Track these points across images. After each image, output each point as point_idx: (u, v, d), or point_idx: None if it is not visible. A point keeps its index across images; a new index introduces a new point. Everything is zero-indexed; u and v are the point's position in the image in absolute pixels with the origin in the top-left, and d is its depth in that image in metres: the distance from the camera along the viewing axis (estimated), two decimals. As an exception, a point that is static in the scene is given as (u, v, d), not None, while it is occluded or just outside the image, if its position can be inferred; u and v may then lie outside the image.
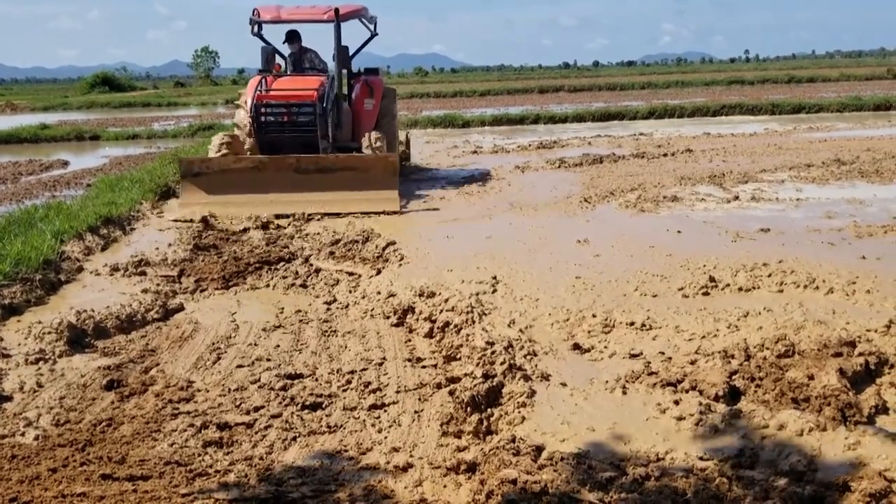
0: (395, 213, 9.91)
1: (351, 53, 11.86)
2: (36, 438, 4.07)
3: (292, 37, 12.09)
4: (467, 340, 5.09)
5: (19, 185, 14.82)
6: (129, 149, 21.81)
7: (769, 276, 6.18)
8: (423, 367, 4.90)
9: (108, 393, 4.65)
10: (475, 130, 23.63)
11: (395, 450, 3.79)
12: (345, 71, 12.19)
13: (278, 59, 12.21)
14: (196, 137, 22.83)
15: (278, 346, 5.40)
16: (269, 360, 5.13)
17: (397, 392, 4.49)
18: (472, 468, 3.43)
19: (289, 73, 11.99)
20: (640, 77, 59.32)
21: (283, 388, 4.62)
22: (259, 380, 4.78)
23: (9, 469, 3.67)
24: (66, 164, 18.57)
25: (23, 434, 4.14)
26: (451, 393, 4.25)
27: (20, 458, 3.80)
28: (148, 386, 4.74)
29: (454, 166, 14.79)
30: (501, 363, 4.42)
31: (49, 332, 5.57)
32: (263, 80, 11.26)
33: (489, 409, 4.00)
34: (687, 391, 3.85)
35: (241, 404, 4.40)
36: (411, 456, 3.73)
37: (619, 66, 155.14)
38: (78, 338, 5.61)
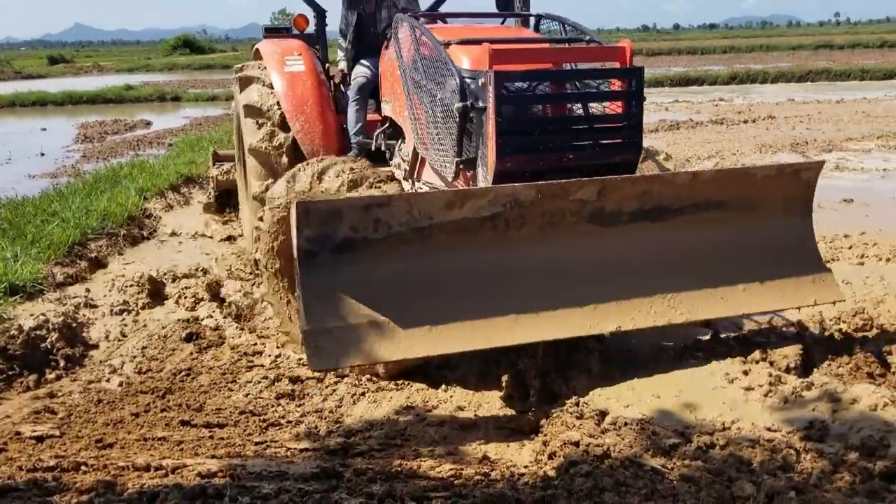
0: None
1: None
2: (120, 385, 4.28)
3: None
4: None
5: (105, 144, 15.39)
6: (209, 110, 22.34)
7: (850, 248, 5.99)
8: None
9: (187, 344, 4.85)
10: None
11: (460, 408, 3.85)
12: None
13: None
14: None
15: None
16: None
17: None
18: (535, 429, 3.46)
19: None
20: (722, 41, 57.39)
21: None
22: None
23: (95, 412, 3.89)
24: (148, 124, 19.16)
25: (108, 380, 4.36)
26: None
27: (105, 403, 4.01)
28: (224, 339, 4.93)
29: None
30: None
31: (132, 286, 5.81)
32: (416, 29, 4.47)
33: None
34: (757, 362, 3.78)
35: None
36: (476, 415, 3.79)
37: (700, 29, 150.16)
38: (158, 291, 5.84)
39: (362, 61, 5.67)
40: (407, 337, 3.35)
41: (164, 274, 6.18)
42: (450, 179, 4.03)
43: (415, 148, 4.51)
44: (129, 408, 3.92)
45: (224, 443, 3.47)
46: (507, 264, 3.56)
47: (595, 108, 4.03)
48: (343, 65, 5.92)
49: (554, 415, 3.55)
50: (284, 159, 5.56)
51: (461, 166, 3.93)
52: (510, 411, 3.80)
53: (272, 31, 6.40)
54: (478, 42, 4.03)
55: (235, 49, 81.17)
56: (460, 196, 3.46)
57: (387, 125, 5.30)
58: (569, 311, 3.58)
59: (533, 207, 3.54)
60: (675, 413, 3.40)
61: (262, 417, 3.82)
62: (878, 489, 2.70)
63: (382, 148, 5.34)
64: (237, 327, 5.13)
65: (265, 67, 5.87)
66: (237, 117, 6.36)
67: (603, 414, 3.49)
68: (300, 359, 4.51)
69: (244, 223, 6.94)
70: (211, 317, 5.34)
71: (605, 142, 3.93)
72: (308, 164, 4.40)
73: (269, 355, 4.60)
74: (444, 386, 4.10)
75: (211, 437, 3.53)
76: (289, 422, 3.79)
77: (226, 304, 5.47)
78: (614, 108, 3.96)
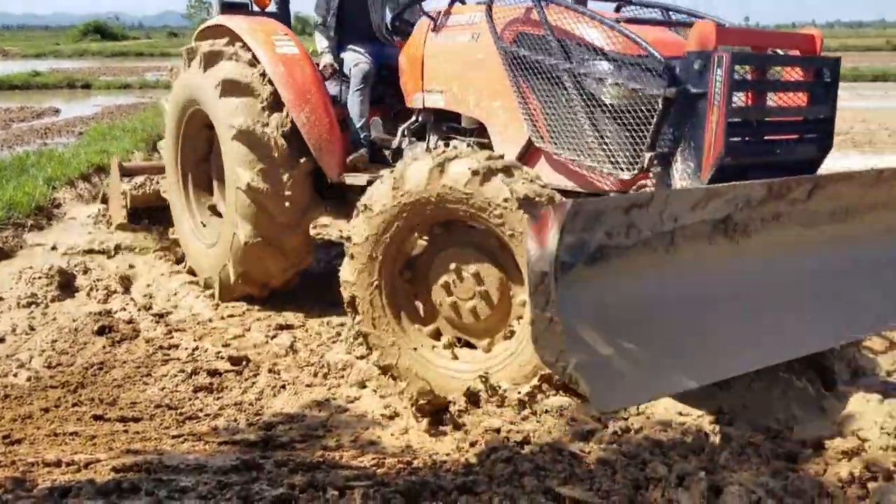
0: None
1: None
2: (28, 379, 4.12)
3: None
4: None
5: (10, 132, 14.72)
6: (121, 98, 21.65)
7: None
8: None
9: (99, 338, 4.70)
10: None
11: (383, 398, 3.85)
12: None
13: None
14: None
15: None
16: (259, 310, 5.18)
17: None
18: (457, 420, 3.49)
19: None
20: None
21: (274, 338, 4.70)
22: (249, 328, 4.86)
23: (1, 408, 3.73)
24: (57, 111, 18.44)
25: (15, 375, 4.20)
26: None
27: (13, 398, 3.86)
28: (138, 332, 4.80)
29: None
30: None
31: (40, 277, 5.60)
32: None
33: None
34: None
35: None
36: (398, 407, 3.80)
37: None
38: (69, 283, 5.64)
39: (352, 48, 5.16)
40: (689, 363, 2.84)
41: (76, 265, 5.96)
42: (626, 176, 3.52)
43: (530, 140, 3.86)
44: (38, 403, 3.78)
45: (139, 437, 3.38)
46: (741, 273, 3.11)
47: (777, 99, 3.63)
48: (329, 57, 5.20)
49: (475, 404, 3.59)
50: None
51: (653, 162, 3.43)
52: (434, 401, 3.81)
53: (231, 6, 5.58)
54: (646, 23, 3.76)
55: (149, 36, 78.89)
56: (707, 194, 2.94)
57: (415, 119, 4.75)
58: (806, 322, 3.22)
59: (759, 208, 3.09)
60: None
61: (179, 411, 3.74)
62: (782, 469, 2.83)
63: (404, 145, 4.83)
64: (152, 320, 5.00)
65: (242, 45, 5.09)
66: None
67: (522, 403, 3.55)
68: (218, 352, 4.44)
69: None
70: (124, 309, 5.19)
71: (810, 136, 3.67)
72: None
73: (186, 348, 4.51)
74: (365, 382, 4.09)
75: (125, 432, 3.44)
76: (207, 415, 3.73)
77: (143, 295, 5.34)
78: (798, 100, 3.61)
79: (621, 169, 3.52)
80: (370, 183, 4.45)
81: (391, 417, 3.68)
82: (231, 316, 5.09)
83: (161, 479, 2.73)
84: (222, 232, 5.20)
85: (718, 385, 3.29)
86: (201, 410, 3.77)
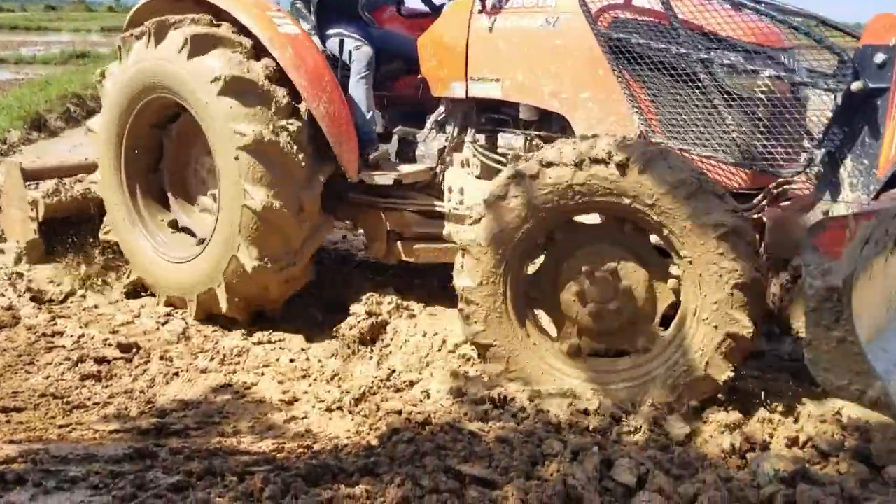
0: None
1: None
2: None
3: None
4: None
5: None
6: (-7, 73, 20.33)
7: None
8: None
9: (-25, 326, 4.44)
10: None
11: (281, 383, 3.81)
12: None
13: None
14: (69, 65, 21.47)
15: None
16: (148, 295, 5.01)
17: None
18: (358, 401, 3.50)
19: None
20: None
21: (165, 324, 4.56)
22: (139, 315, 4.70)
23: None
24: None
25: None
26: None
27: None
28: (19, 319, 4.56)
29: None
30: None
31: None
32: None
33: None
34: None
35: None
36: (298, 391, 3.77)
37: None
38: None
39: (341, 30, 4.55)
40: None
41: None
42: (787, 173, 3.35)
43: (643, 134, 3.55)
44: None
45: (23, 427, 3.23)
46: None
47: None
48: (316, 41, 4.55)
49: (375, 386, 3.62)
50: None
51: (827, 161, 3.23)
52: (333, 387, 3.81)
53: None
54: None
55: (25, 9, 74.34)
56: None
57: (444, 110, 4.32)
58: None
59: None
60: (490, 381, 3.57)
61: (65, 400, 3.59)
62: (669, 444, 2.98)
63: (431, 139, 4.40)
64: (34, 307, 4.75)
65: (235, 26, 4.26)
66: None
67: (413, 383, 3.60)
68: (106, 339, 4.28)
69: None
70: (3, 296, 4.91)
71: None
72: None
73: (71, 336, 4.32)
74: (262, 367, 4.04)
75: (8, 422, 3.28)
76: (96, 404, 3.59)
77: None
78: None
79: (780, 166, 3.35)
80: (398, 182, 4.28)
81: (290, 402, 3.64)
82: (118, 301, 4.90)
83: (49, 470, 2.62)
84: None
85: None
86: (89, 399, 3.63)
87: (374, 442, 3.02)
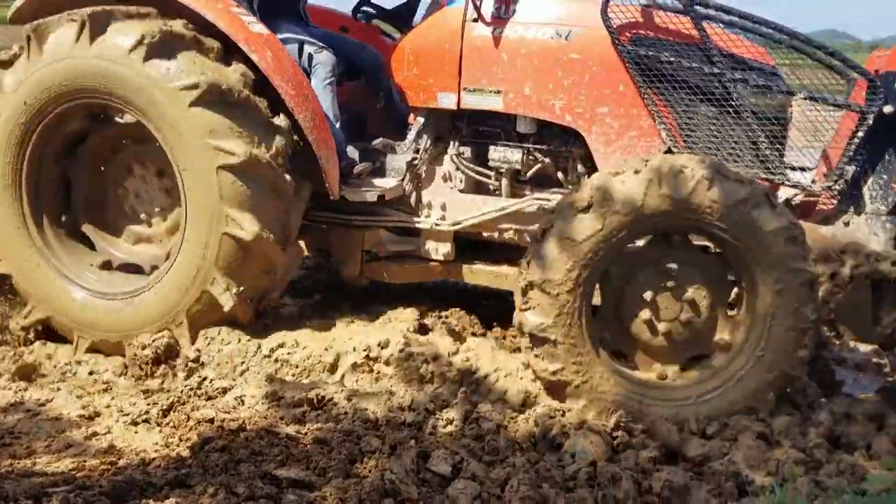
0: None
1: None
2: None
3: None
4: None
5: None
6: None
7: None
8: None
9: None
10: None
11: (79, 398, 3.57)
12: None
13: None
14: None
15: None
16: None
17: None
18: (166, 412, 3.35)
19: None
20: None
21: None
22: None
23: None
24: None
25: None
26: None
27: None
28: None
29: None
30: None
31: None
32: None
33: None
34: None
35: None
36: (99, 405, 3.54)
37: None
38: None
39: (303, 35, 4.14)
40: None
41: None
42: (817, 189, 3.59)
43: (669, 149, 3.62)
44: None
45: None
46: None
47: None
48: None
49: (184, 394, 3.47)
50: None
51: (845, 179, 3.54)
52: (139, 399, 3.61)
53: None
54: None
55: None
56: None
57: (425, 121, 4.06)
58: None
59: None
60: (306, 383, 3.54)
61: None
62: (482, 433, 3.10)
63: (415, 151, 4.09)
64: None
65: (190, 24, 3.66)
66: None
67: (226, 390, 3.49)
68: None
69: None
70: None
71: None
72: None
73: None
74: (58, 382, 3.75)
75: None
76: None
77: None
78: None
79: (812, 181, 3.60)
80: (382, 198, 3.95)
81: (91, 418, 3.41)
82: None
83: None
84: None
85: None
86: None
87: (185, 453, 2.91)
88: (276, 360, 3.70)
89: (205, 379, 3.55)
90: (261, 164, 3.58)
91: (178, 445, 3.06)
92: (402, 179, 4.07)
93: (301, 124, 3.73)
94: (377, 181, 4.09)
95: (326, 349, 3.70)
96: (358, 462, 2.79)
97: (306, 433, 3.03)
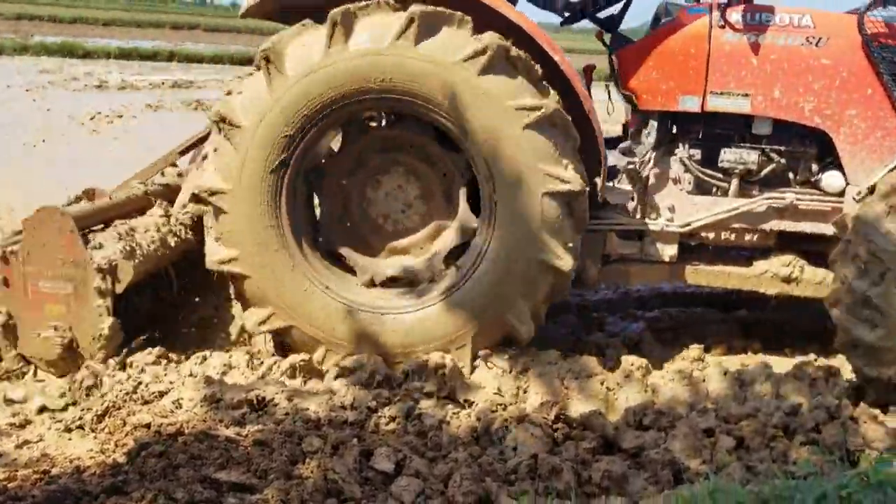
0: None
1: None
2: None
3: None
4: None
5: None
6: None
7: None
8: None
9: None
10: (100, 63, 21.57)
11: (9, 404, 3.46)
12: None
13: None
14: None
15: None
16: None
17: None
18: (101, 417, 3.27)
19: None
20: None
21: None
22: None
23: None
24: None
25: None
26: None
27: None
28: None
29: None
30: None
31: None
32: None
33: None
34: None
35: None
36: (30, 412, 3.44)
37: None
38: None
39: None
40: None
41: None
42: None
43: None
44: None
45: None
46: None
47: None
48: None
49: (118, 400, 3.39)
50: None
51: None
52: (72, 405, 3.51)
53: None
54: None
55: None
56: None
57: (661, 124, 4.15)
58: None
59: None
60: (245, 385, 3.50)
61: None
62: (424, 430, 3.11)
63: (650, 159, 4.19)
64: None
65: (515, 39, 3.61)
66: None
67: (163, 394, 3.42)
68: None
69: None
70: None
71: None
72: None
73: None
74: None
75: None
76: None
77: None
78: None
79: None
80: (632, 200, 4.15)
81: (22, 426, 3.32)
82: None
83: None
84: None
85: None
86: None
87: (122, 459, 2.85)
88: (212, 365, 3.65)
89: (140, 383, 3.47)
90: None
91: (113, 452, 2.98)
92: (636, 182, 4.14)
93: (597, 141, 3.77)
94: (619, 184, 4.17)
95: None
96: (300, 463, 2.77)
97: (246, 435, 2.98)
